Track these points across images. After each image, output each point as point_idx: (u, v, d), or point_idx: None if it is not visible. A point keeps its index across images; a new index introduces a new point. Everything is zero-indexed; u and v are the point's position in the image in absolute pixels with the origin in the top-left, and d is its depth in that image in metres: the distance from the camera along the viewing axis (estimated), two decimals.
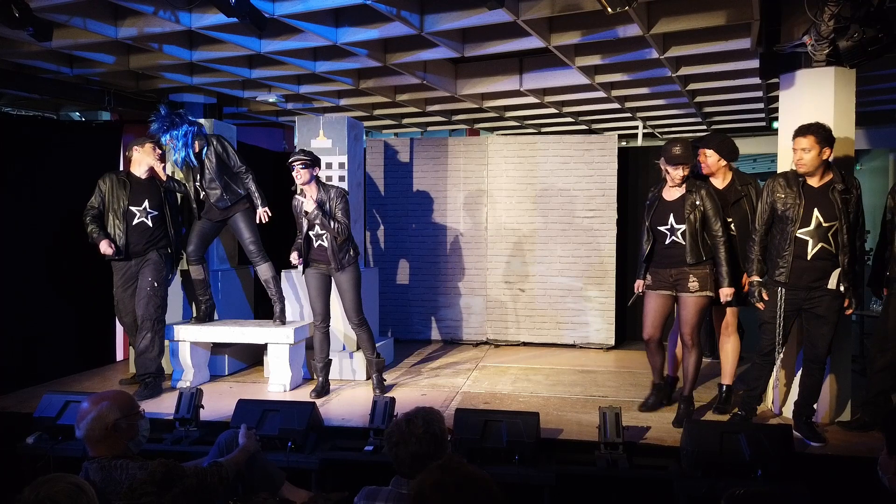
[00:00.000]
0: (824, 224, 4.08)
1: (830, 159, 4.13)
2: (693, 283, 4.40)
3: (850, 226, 4.07)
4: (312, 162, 5.13)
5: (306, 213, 5.17)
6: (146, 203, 5.35)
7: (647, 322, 4.63)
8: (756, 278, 4.32)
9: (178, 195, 5.76)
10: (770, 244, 4.30)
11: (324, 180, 6.04)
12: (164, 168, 5.54)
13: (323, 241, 5.20)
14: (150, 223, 5.35)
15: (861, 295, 4.22)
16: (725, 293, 4.37)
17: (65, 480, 2.10)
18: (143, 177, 5.42)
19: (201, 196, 5.72)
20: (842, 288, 4.09)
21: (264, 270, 5.73)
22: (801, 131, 4.09)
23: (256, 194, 5.66)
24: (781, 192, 4.19)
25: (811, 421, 4.28)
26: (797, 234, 4.12)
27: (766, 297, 4.26)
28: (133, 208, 5.32)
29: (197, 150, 5.58)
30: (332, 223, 5.10)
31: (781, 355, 4.36)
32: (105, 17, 4.75)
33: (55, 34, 4.49)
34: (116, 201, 5.29)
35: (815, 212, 4.09)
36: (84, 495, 2.09)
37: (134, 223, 5.32)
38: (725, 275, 4.36)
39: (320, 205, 5.13)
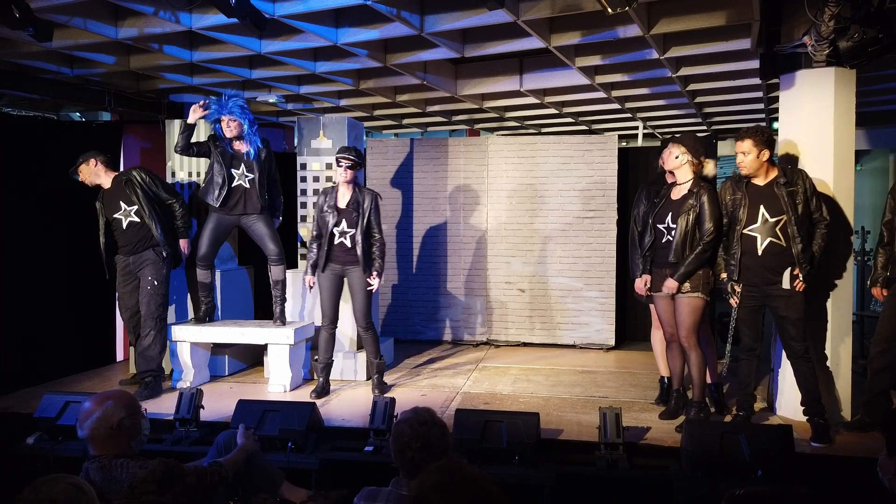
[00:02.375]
0: (771, 219, 4.22)
1: (767, 159, 4.25)
2: (685, 284, 4.41)
3: (798, 217, 4.18)
4: (359, 163, 5.20)
5: (339, 208, 5.18)
6: (122, 205, 5.34)
7: (664, 324, 4.61)
8: (724, 276, 4.41)
9: (175, 206, 5.56)
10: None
11: (323, 181, 6.06)
12: (115, 174, 5.47)
13: (345, 239, 5.19)
14: (136, 218, 5.34)
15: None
16: (668, 285, 4.39)
17: (64, 481, 2.10)
18: (107, 186, 5.41)
19: (233, 184, 5.47)
20: (798, 276, 4.15)
21: (279, 272, 5.68)
22: (740, 136, 4.29)
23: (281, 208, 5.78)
24: (730, 194, 4.38)
25: (821, 421, 4.22)
26: (745, 232, 4.29)
27: (738, 290, 4.33)
28: (116, 216, 5.35)
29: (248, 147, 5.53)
30: (372, 236, 5.19)
31: (759, 349, 4.41)
32: (105, 17, 4.76)
33: (55, 34, 4.49)
34: (105, 215, 5.40)
35: (761, 209, 4.25)
36: (84, 496, 2.08)
37: (124, 227, 5.35)
38: (682, 272, 4.35)
39: (355, 204, 5.16)
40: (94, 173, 5.39)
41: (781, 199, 4.20)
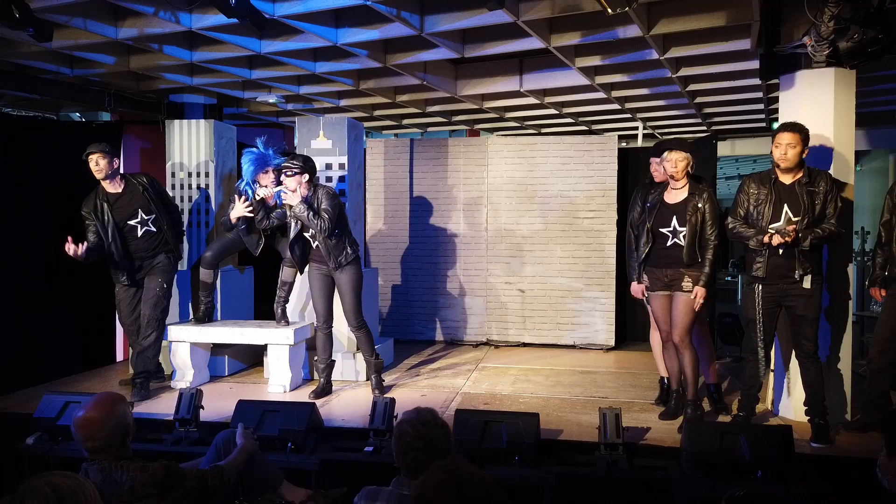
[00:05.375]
0: (793, 219, 4.18)
1: (804, 157, 4.21)
2: (687, 283, 4.41)
3: (813, 219, 4.15)
4: (303, 170, 5.03)
5: (290, 210, 5.09)
6: (140, 213, 5.28)
7: (660, 323, 4.61)
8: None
9: (177, 216, 5.64)
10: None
11: (323, 181, 6.04)
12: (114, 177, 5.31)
13: (316, 241, 5.21)
14: (153, 228, 5.33)
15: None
16: (700, 293, 4.39)
17: (63, 477, 2.02)
18: (114, 189, 5.24)
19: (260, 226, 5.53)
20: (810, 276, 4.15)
21: (291, 273, 5.70)
22: (789, 127, 4.19)
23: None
24: (754, 191, 4.31)
25: (822, 422, 4.22)
26: (769, 230, 4.21)
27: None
28: (131, 223, 5.26)
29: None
30: (316, 220, 4.98)
31: (771, 351, 4.38)
32: (105, 17, 4.76)
33: (55, 35, 4.48)
34: (104, 222, 5.17)
35: (786, 207, 4.21)
36: (85, 493, 2.05)
37: (139, 234, 5.29)
38: (705, 277, 4.38)
39: (308, 204, 5.04)
40: (112, 174, 5.24)
41: (801, 200, 4.16)
